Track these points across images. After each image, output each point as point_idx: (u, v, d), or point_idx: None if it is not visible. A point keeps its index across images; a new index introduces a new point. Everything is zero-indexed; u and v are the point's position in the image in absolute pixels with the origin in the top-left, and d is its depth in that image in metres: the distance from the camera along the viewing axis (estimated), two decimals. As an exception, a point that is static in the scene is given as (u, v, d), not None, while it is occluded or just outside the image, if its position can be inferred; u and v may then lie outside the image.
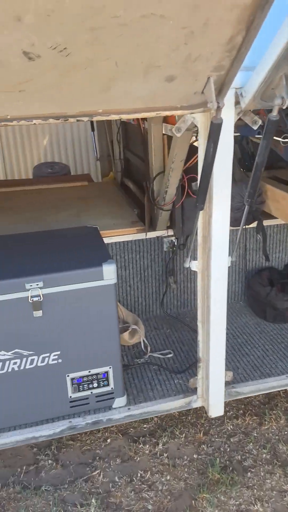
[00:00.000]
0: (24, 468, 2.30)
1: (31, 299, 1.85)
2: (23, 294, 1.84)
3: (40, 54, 1.16)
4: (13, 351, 1.90)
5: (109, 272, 1.91)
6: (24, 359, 1.93)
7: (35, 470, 2.29)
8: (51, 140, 6.18)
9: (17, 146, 6.10)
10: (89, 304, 1.94)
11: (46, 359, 1.95)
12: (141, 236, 2.74)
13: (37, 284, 1.84)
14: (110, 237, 2.67)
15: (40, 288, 1.85)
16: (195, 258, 1.91)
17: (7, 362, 1.91)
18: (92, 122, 4.69)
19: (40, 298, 1.86)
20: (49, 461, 2.33)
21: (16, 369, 1.93)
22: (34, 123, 1.40)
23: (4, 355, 1.89)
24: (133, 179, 3.59)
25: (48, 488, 2.18)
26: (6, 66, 1.18)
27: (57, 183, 3.99)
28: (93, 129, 4.66)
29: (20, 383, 1.95)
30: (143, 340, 2.57)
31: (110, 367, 2.04)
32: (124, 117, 1.47)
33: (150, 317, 2.90)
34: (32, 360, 1.94)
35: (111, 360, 2.03)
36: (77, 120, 1.43)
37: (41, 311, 1.88)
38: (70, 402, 2.06)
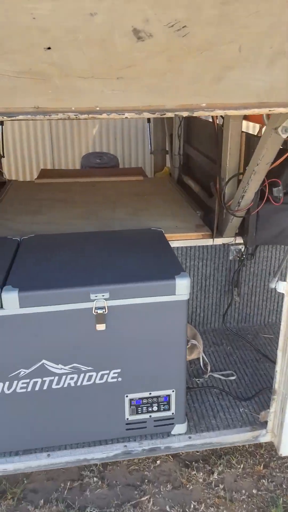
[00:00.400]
0: (68, 484, 2.14)
1: (95, 310, 1.67)
2: (87, 304, 1.66)
3: (153, 33, 0.94)
4: (71, 366, 1.73)
5: (182, 287, 1.70)
6: (82, 375, 1.75)
7: (79, 487, 2.13)
8: (101, 130, 6.00)
9: (66, 134, 5.96)
10: (156, 321, 1.73)
11: (105, 376, 1.77)
12: (206, 242, 2.51)
13: (103, 295, 1.66)
14: (172, 241, 2.45)
15: (106, 299, 1.66)
16: (283, 279, 1.66)
17: (64, 377, 1.74)
18: (148, 113, 4.45)
19: (105, 311, 1.67)
20: (95, 479, 2.16)
21: (73, 384, 1.76)
22: (126, 117, 1.18)
23: (62, 369, 1.73)
24: (194, 177, 3.35)
25: (94, 510, 2.01)
26: (108, 47, 0.97)
27: (111, 176, 3.80)
28: (149, 121, 4.43)
29: (76, 400, 1.78)
30: (203, 357, 2.35)
31: (173, 391, 1.84)
32: (230, 113, 1.23)
33: (208, 330, 2.67)
34: (90, 377, 1.76)
35: (175, 383, 1.83)
36: (175, 115, 1.21)
37: (104, 324, 1.69)
38: (127, 424, 1.87)
